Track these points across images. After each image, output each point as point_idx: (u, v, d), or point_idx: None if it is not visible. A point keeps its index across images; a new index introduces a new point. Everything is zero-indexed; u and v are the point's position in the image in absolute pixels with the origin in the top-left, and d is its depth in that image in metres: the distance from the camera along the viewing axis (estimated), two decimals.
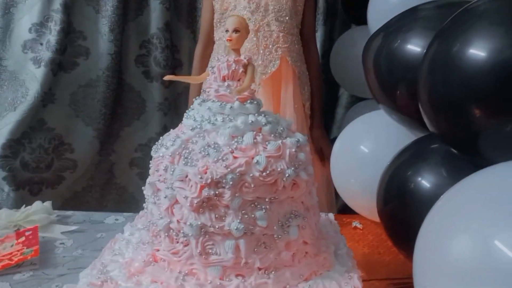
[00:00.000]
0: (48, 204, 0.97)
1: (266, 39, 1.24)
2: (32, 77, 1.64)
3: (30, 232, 0.84)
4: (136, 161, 1.91)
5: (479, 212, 0.54)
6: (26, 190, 1.59)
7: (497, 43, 0.61)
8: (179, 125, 0.73)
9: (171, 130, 0.73)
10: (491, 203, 0.54)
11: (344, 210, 1.23)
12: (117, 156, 1.88)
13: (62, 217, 0.99)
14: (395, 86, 0.86)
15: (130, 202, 1.90)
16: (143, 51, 1.84)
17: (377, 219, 0.91)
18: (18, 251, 0.77)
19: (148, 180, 0.68)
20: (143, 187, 0.71)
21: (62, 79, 1.70)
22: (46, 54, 1.63)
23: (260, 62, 1.24)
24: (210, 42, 1.39)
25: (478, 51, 0.63)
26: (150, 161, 0.70)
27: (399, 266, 0.85)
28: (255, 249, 0.60)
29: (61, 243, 0.86)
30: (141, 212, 0.89)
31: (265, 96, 1.23)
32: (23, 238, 0.82)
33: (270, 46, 1.24)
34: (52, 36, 1.65)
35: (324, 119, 1.96)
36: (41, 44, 1.65)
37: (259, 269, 0.60)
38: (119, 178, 1.90)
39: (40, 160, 1.65)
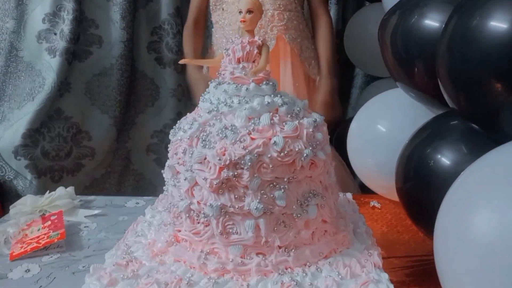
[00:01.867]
0: (71, 189, 1.00)
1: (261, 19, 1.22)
2: (48, 67, 1.66)
3: (55, 216, 0.87)
4: (152, 147, 1.94)
5: (500, 188, 0.53)
6: (47, 178, 1.63)
7: None
8: (196, 108, 0.73)
9: (188, 113, 0.73)
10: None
11: (362, 189, 1.23)
12: (133, 143, 1.91)
13: (85, 201, 1.02)
14: (413, 63, 0.85)
15: (148, 188, 1.94)
16: (154, 38, 1.84)
17: (395, 198, 0.91)
18: (45, 234, 0.80)
19: (167, 163, 0.69)
20: (162, 171, 0.73)
21: (76, 68, 1.72)
22: (60, 43, 1.65)
23: None
24: (198, 25, 1.38)
25: (498, 24, 0.61)
26: (169, 145, 0.71)
27: (418, 244, 0.85)
28: (275, 228, 0.61)
29: (85, 227, 0.88)
30: (161, 196, 0.90)
31: None
32: (49, 222, 0.85)
33: (265, 26, 1.21)
34: (65, 25, 1.66)
35: (337, 89, 1.93)
36: (55, 33, 1.66)
37: (279, 247, 0.61)
38: (136, 164, 1.93)
39: (60, 148, 1.68)
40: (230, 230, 0.61)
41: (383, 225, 0.96)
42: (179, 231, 0.66)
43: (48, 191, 0.97)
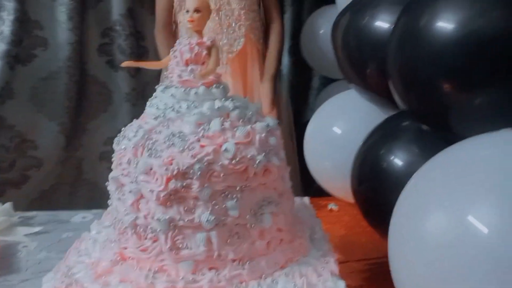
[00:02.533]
0: (8, 205, 0.91)
1: (228, 17, 1.22)
2: None
3: None
4: (106, 154, 1.84)
5: (452, 188, 0.53)
6: None
7: (465, 14, 0.60)
8: (142, 115, 0.69)
9: (134, 120, 0.69)
10: (464, 178, 0.53)
11: (319, 193, 1.23)
12: (85, 151, 1.80)
13: (25, 218, 0.94)
14: (365, 64, 0.85)
15: (102, 198, 1.83)
16: (106, 40, 1.75)
17: (352, 200, 0.90)
18: None
19: (111, 175, 0.64)
20: (106, 183, 0.67)
21: (20, 73, 1.60)
22: (0, 46, 1.53)
23: (225, 41, 1.23)
24: (169, 27, 1.34)
25: (446, 24, 0.61)
26: (112, 155, 0.66)
27: (376, 246, 0.85)
28: (228, 240, 0.57)
29: (24, 246, 0.81)
30: (108, 208, 0.85)
31: (234, 75, 1.22)
32: None
33: (233, 24, 1.23)
34: (6, 26, 1.54)
35: (293, 101, 1.92)
36: None
37: (233, 260, 0.58)
38: (88, 173, 1.83)
39: (2, 160, 1.56)
40: (180, 245, 0.57)
41: (341, 228, 0.95)
42: (125, 248, 0.61)
43: None
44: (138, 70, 1.76)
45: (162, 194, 0.56)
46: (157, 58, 1.47)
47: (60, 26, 1.65)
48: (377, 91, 0.86)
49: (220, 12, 1.22)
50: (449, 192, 0.53)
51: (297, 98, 1.95)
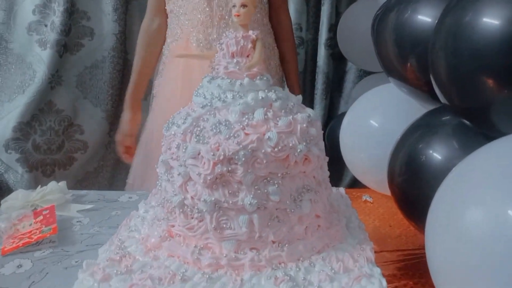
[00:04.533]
0: (63, 184, 0.99)
1: (221, 9, 1.11)
2: (39, 60, 1.64)
3: (47, 211, 0.86)
4: None
5: (491, 184, 0.54)
6: (39, 172, 1.62)
7: (510, 10, 0.59)
8: (189, 103, 0.73)
9: (182, 108, 0.73)
10: (503, 174, 0.54)
11: (353, 184, 1.24)
12: None
13: (77, 196, 1.01)
14: (406, 58, 0.85)
15: None
16: None
17: (387, 192, 0.92)
18: (37, 229, 0.80)
19: (161, 158, 0.69)
20: (156, 166, 0.72)
21: (68, 61, 1.70)
22: (51, 35, 1.63)
23: (215, 36, 1.12)
24: (157, 16, 1.25)
25: (490, 20, 0.61)
26: (162, 140, 0.71)
27: (410, 238, 0.86)
28: (269, 223, 0.61)
29: (77, 221, 0.88)
30: (154, 190, 0.90)
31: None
32: (41, 217, 0.84)
33: (226, 17, 1.12)
34: (56, 17, 1.64)
35: (328, 93, 1.92)
36: (46, 25, 1.64)
37: (273, 242, 0.61)
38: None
39: (51, 142, 1.67)
40: (224, 225, 0.61)
41: (375, 219, 0.97)
42: (173, 226, 0.66)
43: (40, 186, 0.96)
44: None
45: (208, 178, 0.60)
46: None
47: (105, 17, 1.73)
48: (416, 85, 0.87)
49: (213, 3, 1.11)
50: (489, 187, 0.54)
51: (332, 91, 1.96)
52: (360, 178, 1.10)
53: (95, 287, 0.57)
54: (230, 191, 0.60)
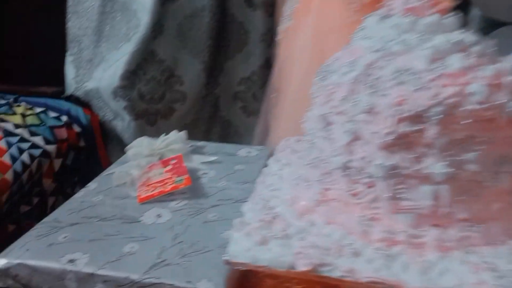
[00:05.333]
0: (184, 134, 0.96)
1: None
2: (143, 7, 1.62)
3: (175, 161, 0.83)
4: (240, 94, 1.88)
5: None
6: (144, 120, 1.65)
7: None
8: (345, 49, 0.62)
9: (335, 54, 0.62)
10: None
11: None
12: (221, 89, 1.86)
13: (196, 147, 0.98)
14: None
15: (234, 136, 1.91)
16: None
17: None
18: (169, 179, 0.77)
19: (315, 112, 0.59)
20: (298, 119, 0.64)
21: (169, 9, 1.65)
22: None
23: None
24: None
25: None
26: (314, 90, 0.61)
27: None
28: (459, 197, 0.50)
29: (203, 173, 0.84)
30: (281, 145, 0.83)
31: None
32: (170, 167, 0.82)
33: None
34: None
35: None
36: None
37: (461, 220, 0.51)
38: (223, 111, 1.90)
39: (154, 92, 1.68)
40: (401, 196, 0.51)
41: None
42: (328, 189, 0.58)
43: (164, 134, 0.94)
44: (275, 9, 1.70)
45: (388, 138, 0.50)
46: None
47: None
48: None
49: None
50: None
51: None
52: None
53: (255, 250, 0.52)
54: (413, 156, 0.50)
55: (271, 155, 0.84)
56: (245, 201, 0.69)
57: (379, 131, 0.50)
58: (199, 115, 1.83)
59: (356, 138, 0.53)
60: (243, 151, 0.97)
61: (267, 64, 1.75)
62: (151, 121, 1.69)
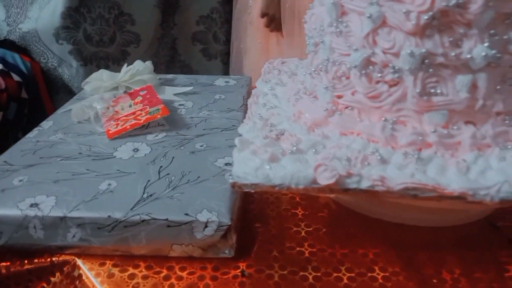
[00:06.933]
0: (149, 63, 0.82)
1: None
2: None
3: (145, 91, 0.71)
4: (198, 35, 1.72)
5: None
6: (94, 66, 1.46)
7: None
8: None
9: None
10: None
11: None
12: (178, 30, 1.68)
13: (165, 80, 0.85)
14: None
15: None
16: None
17: None
18: (141, 110, 0.65)
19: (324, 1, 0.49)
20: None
21: None
22: None
23: None
24: None
25: None
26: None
27: None
28: (498, 87, 0.43)
29: (180, 105, 0.73)
30: (265, 68, 0.73)
31: None
32: (140, 98, 0.69)
33: None
34: None
35: None
36: None
37: (496, 114, 0.45)
38: (182, 55, 1.74)
39: (103, 33, 1.48)
40: (432, 91, 0.44)
41: None
42: (340, 97, 0.49)
43: (126, 65, 0.80)
44: None
45: (423, 17, 0.41)
46: None
47: None
48: None
49: None
50: None
51: None
52: None
53: (265, 168, 0.43)
54: (451, 39, 0.42)
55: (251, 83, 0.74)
56: (235, 129, 0.60)
57: (411, 11, 0.41)
58: (156, 60, 1.66)
59: (380, 25, 0.44)
60: (220, 80, 0.86)
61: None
62: (102, 66, 1.50)
